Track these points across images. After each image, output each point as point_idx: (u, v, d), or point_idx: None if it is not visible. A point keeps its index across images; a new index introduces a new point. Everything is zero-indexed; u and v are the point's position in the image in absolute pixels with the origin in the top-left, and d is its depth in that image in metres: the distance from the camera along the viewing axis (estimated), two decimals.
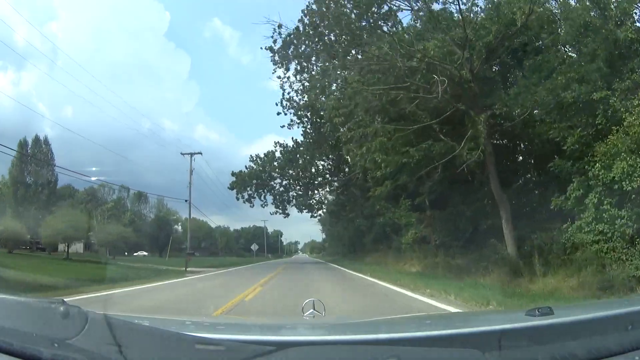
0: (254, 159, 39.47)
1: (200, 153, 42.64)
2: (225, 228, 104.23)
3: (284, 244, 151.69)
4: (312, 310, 2.40)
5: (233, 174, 39.79)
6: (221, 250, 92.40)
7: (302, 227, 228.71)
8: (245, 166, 39.81)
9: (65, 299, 1.24)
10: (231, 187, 39.34)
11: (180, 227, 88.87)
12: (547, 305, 1.66)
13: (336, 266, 34.61)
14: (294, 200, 40.90)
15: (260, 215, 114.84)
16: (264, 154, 39.37)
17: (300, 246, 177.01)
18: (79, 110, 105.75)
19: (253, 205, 40.13)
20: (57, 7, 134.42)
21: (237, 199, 39.60)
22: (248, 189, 39.32)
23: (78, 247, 50.83)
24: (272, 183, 40.04)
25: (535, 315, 1.56)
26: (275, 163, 38.56)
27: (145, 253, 58.80)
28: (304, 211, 41.93)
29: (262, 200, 40.58)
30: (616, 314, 1.64)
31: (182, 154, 42.98)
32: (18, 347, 1.05)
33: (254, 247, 62.00)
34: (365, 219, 35.25)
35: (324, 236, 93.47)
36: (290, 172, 38.71)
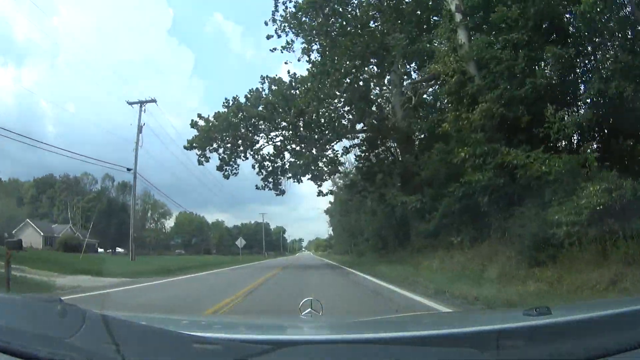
0: (229, 102, 25.35)
1: (154, 101, 30.71)
2: (219, 222, 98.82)
3: (288, 241, 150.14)
4: (309, 309, 2.40)
5: (193, 124, 25.36)
6: (215, 247, 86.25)
7: (306, 225, 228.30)
8: (216, 113, 25.74)
9: (62, 298, 1.24)
10: (189, 146, 25.74)
11: (171, 222, 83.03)
12: (544, 305, 1.66)
13: (370, 277, 16.01)
14: (288, 170, 26.91)
15: (263, 210, 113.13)
16: (246, 95, 25.52)
17: (304, 244, 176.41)
18: (81, 107, 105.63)
19: (228, 174, 26.94)
20: (58, 2, 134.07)
21: (201, 163, 26.15)
22: (219, 148, 26.07)
23: (36, 240, 47.33)
24: (256, 137, 26.39)
25: (533, 315, 1.57)
26: (261, 108, 24.84)
27: (120, 250, 53.37)
28: (305, 178, 27.07)
29: (233, 166, 26.70)
30: (614, 314, 1.65)
31: (128, 103, 30.36)
32: (15, 346, 1.05)
33: (240, 242, 48.41)
34: (416, 189, 20.05)
35: (330, 232, 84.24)
36: (287, 120, 24.66)
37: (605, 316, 1.63)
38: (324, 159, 26.34)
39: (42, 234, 53.13)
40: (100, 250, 52.32)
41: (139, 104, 30.25)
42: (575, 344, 1.40)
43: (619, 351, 1.36)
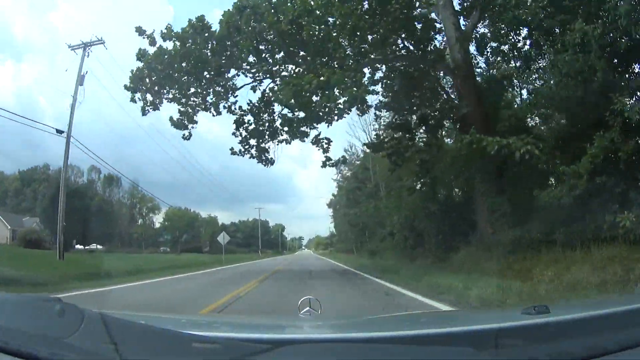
0: (195, 23, 16.58)
1: (102, 42, 22.65)
2: (212, 218, 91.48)
3: (287, 239, 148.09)
4: (308, 308, 2.42)
5: (140, 55, 17.15)
6: (208, 244, 77.49)
7: (307, 224, 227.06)
8: (167, 27, 17.04)
9: (61, 297, 1.25)
10: (132, 86, 17.47)
11: (159, 217, 77.59)
12: (543, 304, 1.67)
13: None
14: (282, 127, 17.94)
15: (263, 209, 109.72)
16: (220, 20, 16.40)
17: (304, 242, 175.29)
18: (80, 103, 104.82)
19: (188, 133, 18.55)
20: None
21: (145, 113, 17.97)
22: (179, 94, 17.83)
23: (1, 234, 44.80)
24: (234, 71, 17.91)
25: (532, 314, 1.58)
26: (245, 26, 15.78)
27: (98, 246, 49.39)
28: (309, 133, 17.98)
29: (191, 118, 18.35)
30: (613, 312, 1.67)
31: (70, 47, 22.37)
32: (14, 346, 1.06)
33: (223, 238, 37.36)
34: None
35: (332, 229, 79.11)
36: (275, 27, 15.22)
37: (604, 315, 1.64)
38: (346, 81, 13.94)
39: (9, 227, 50.44)
40: (78, 246, 48.66)
41: (83, 47, 22.84)
42: (574, 342, 1.41)
43: (618, 350, 1.37)
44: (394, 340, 1.43)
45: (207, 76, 17.47)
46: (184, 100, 18.06)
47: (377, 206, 30.35)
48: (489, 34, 15.95)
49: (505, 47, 15.24)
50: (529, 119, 11.82)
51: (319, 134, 18.15)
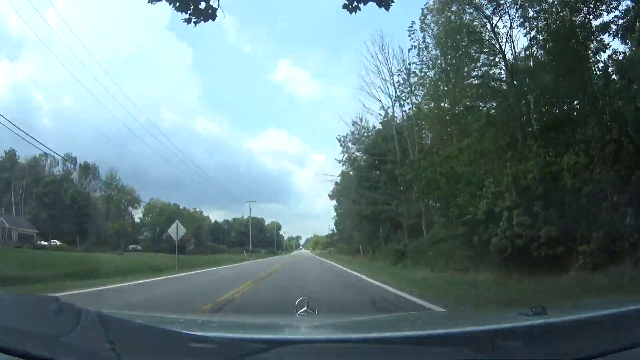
0: None
1: None
2: (196, 212, 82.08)
3: (285, 238, 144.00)
4: (305, 308, 2.43)
5: None
6: (190, 242, 66.59)
7: (305, 224, 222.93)
8: None
9: (58, 296, 1.26)
10: None
11: (139, 212, 70.49)
12: (540, 305, 1.70)
13: None
14: None
15: (260, 208, 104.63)
16: None
17: (302, 242, 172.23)
18: (77, 101, 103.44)
19: None
20: None
21: None
22: None
23: None
24: None
25: (529, 315, 1.60)
26: None
27: (58, 242, 45.88)
28: None
29: None
30: (609, 314, 1.69)
31: None
32: (10, 344, 1.06)
33: (176, 230, 26.70)
34: None
35: (332, 227, 70.79)
36: None
37: (600, 316, 1.67)
38: None
39: None
40: (43, 242, 45.23)
41: None
42: (571, 344, 1.43)
43: (614, 351, 1.39)
44: (391, 340, 1.45)
45: None
46: None
47: (451, 154, 14.92)
48: None
49: None
50: None
51: None
